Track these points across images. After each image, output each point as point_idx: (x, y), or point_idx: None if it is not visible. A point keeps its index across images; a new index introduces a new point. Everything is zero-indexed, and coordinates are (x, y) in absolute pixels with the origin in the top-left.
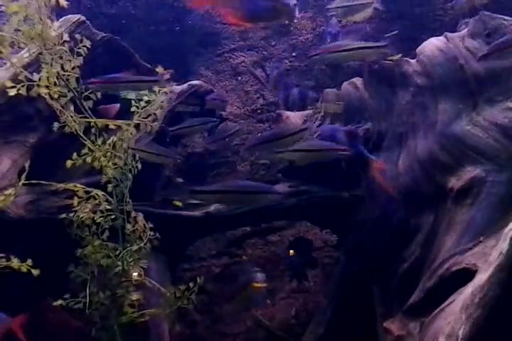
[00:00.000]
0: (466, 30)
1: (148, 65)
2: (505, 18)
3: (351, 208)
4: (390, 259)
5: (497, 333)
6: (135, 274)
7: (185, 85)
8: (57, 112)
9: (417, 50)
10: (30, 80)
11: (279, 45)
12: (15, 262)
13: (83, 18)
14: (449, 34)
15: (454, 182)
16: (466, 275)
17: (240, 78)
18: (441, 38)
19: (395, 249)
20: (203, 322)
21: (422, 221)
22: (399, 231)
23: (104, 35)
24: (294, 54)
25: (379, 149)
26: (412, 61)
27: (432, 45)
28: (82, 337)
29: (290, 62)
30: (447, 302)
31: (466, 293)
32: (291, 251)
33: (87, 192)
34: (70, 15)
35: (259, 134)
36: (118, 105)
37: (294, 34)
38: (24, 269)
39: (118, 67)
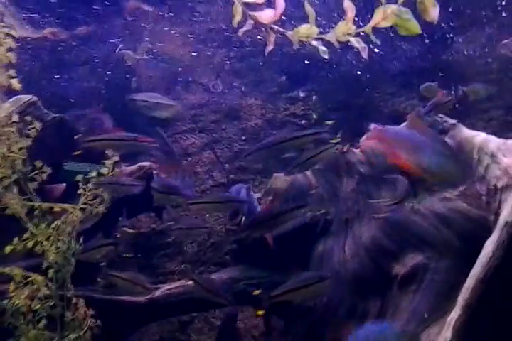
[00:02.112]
0: (404, 125)
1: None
2: (440, 115)
3: None
4: None
5: None
6: None
7: (134, 166)
8: None
9: (360, 141)
10: None
11: (229, 128)
12: None
13: (35, 98)
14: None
15: (399, 269)
16: None
17: (189, 159)
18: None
19: None
20: None
21: (370, 306)
22: (347, 317)
23: (54, 115)
24: (243, 138)
25: (326, 234)
26: (356, 150)
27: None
28: None
29: (240, 145)
30: None
31: None
32: None
33: (25, 277)
34: (21, 96)
35: None
36: (64, 185)
37: (244, 119)
38: None
39: (67, 148)
